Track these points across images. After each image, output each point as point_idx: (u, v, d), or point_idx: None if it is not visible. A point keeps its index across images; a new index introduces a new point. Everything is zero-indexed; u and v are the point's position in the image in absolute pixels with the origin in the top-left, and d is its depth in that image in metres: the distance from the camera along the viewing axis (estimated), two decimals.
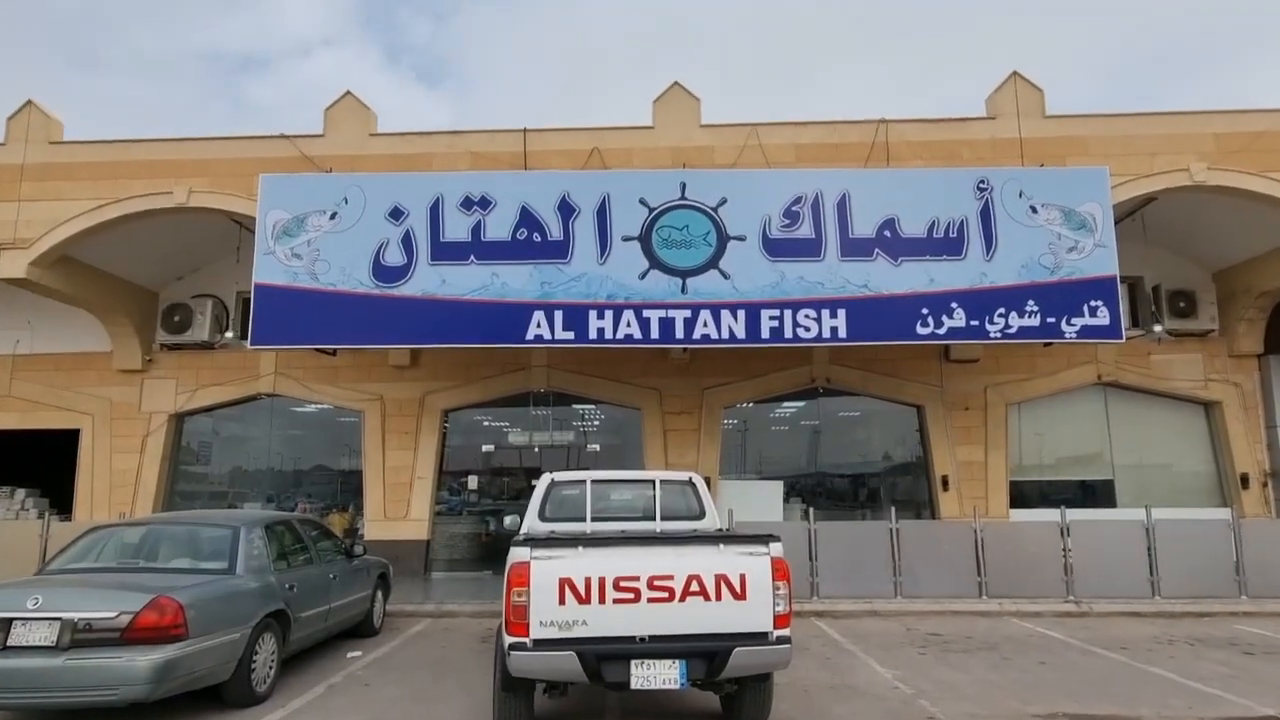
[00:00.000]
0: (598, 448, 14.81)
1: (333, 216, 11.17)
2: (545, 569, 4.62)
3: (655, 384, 14.17)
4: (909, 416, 14.48)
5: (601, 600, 4.50)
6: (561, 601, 4.52)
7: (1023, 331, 11.03)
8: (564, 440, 14.67)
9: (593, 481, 6.35)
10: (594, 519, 6.26)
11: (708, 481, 13.81)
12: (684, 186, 11.28)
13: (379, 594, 9.37)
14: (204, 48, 76.13)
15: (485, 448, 15.04)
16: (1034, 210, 11.26)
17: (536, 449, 14.67)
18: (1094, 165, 11.58)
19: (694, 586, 4.56)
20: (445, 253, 11.13)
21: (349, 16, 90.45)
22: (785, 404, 14.85)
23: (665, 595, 4.53)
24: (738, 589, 4.58)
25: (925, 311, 11.03)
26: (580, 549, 4.68)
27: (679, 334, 10.95)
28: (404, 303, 11.00)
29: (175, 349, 14.57)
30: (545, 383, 14.30)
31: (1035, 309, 11.03)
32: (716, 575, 4.59)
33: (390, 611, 10.25)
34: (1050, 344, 11.74)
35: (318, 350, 12.96)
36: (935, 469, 13.87)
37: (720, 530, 6.32)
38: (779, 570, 4.65)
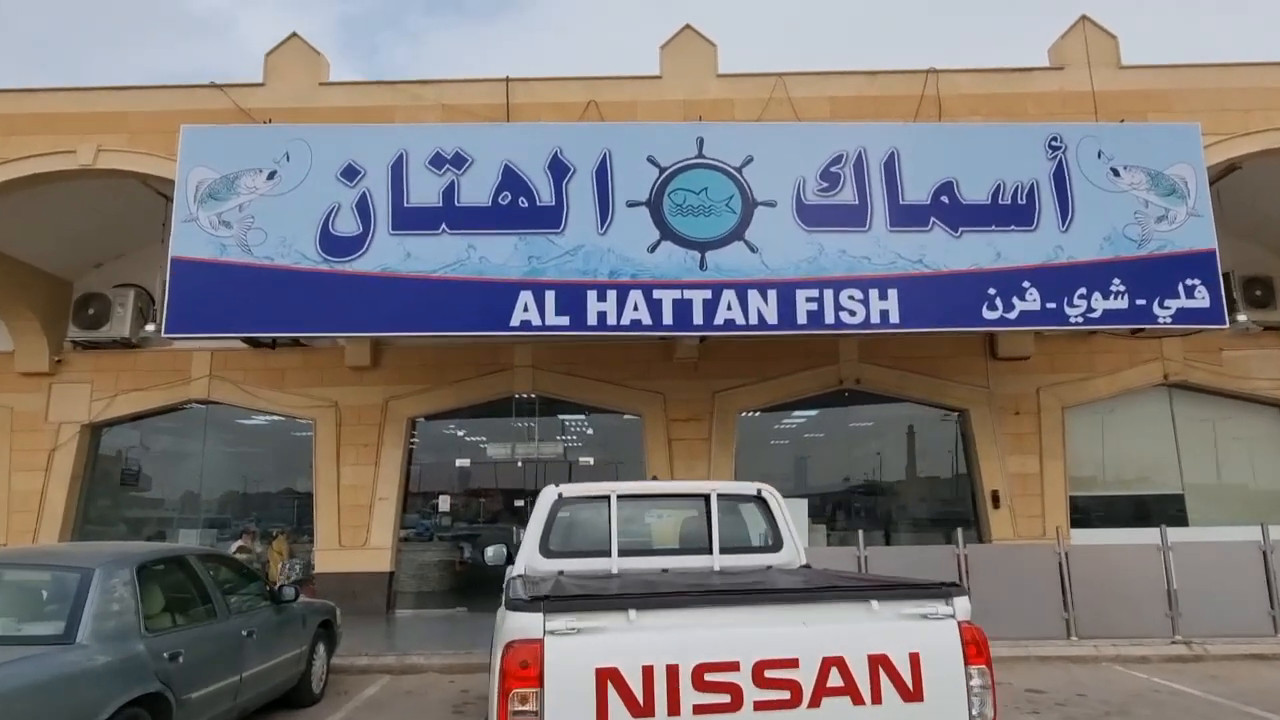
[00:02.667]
0: (591, 461, 12.73)
1: (271, 176, 9.08)
2: (571, 652, 2.58)
3: (659, 387, 12.16)
4: (950, 423, 12.60)
5: (674, 712, 2.47)
6: (603, 717, 2.48)
7: (1109, 315, 9.21)
8: (552, 453, 12.57)
9: (619, 497, 4.29)
10: (622, 552, 4.22)
11: None
12: (701, 142, 9.36)
13: (321, 648, 7.19)
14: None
15: (460, 462, 12.88)
16: (1116, 173, 9.49)
17: (520, 463, 12.55)
18: (1180, 123, 9.86)
19: (834, 679, 2.57)
20: (410, 220, 9.08)
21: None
22: (809, 409, 12.89)
23: (787, 698, 2.53)
24: (908, 681, 2.58)
25: (992, 292, 9.18)
26: (631, 613, 2.64)
27: (697, 319, 8.99)
28: (359, 281, 8.93)
29: (90, 348, 12.29)
30: (530, 386, 12.23)
31: (1122, 288, 9.23)
32: (871, 658, 2.60)
33: (339, 666, 8.06)
34: (1141, 331, 9.92)
35: (251, 342, 10.83)
36: (983, 483, 11.97)
37: (826, 571, 4.29)
38: (974, 645, 2.67)
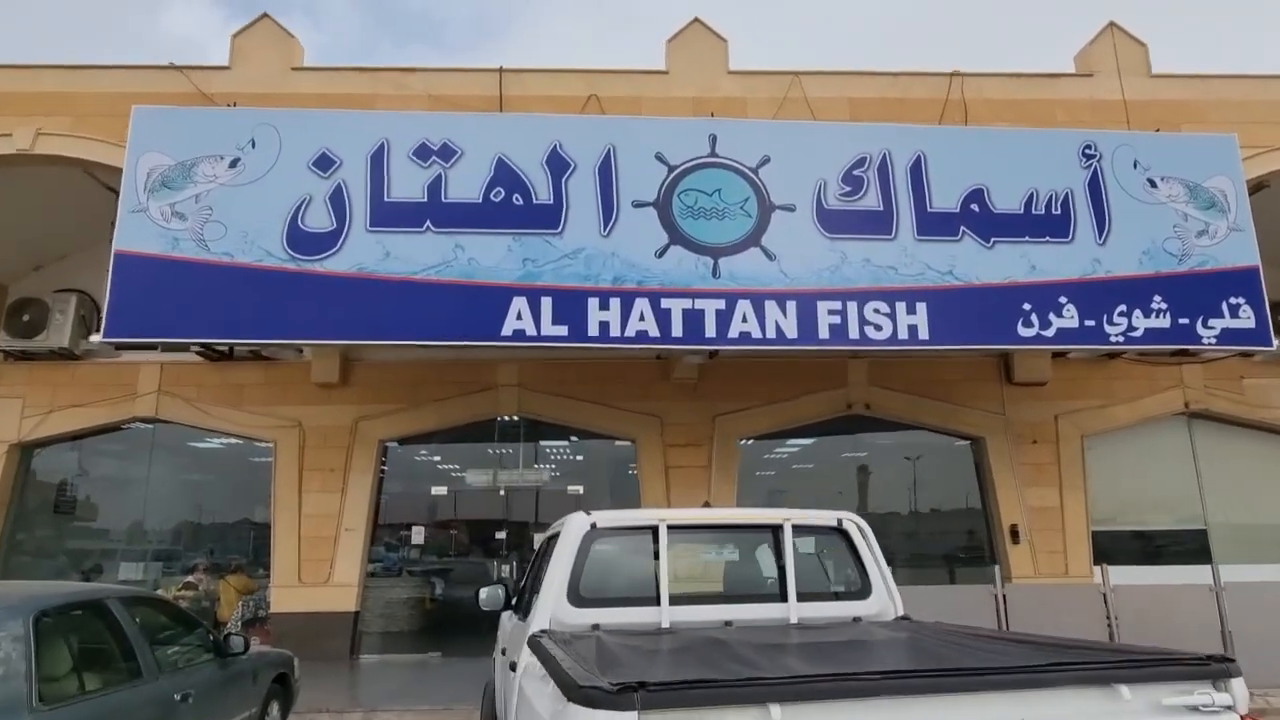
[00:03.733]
0: (581, 490, 11.71)
1: (233, 164, 8.09)
2: None
3: (655, 409, 11.24)
4: (964, 452, 11.83)
5: None
6: None
7: (1150, 335, 8.54)
8: (537, 480, 11.55)
9: (670, 528, 3.38)
10: (674, 600, 3.26)
11: None
12: (714, 139, 8.58)
13: (274, 708, 6.06)
14: None
15: (436, 490, 11.77)
16: (1153, 184, 8.90)
17: (502, 491, 11.51)
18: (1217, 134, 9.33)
19: None
20: (391, 216, 8.13)
21: None
22: (814, 435, 12.04)
23: None
24: None
25: (1027, 307, 8.46)
26: (775, 710, 1.70)
27: (710, 331, 8.13)
28: (331, 283, 7.93)
29: (24, 358, 11.04)
30: (515, 408, 11.23)
31: (1163, 306, 8.57)
32: None
33: None
34: (1184, 353, 9.25)
35: (206, 354, 9.72)
36: (1001, 516, 11.18)
37: (949, 627, 3.35)
38: None
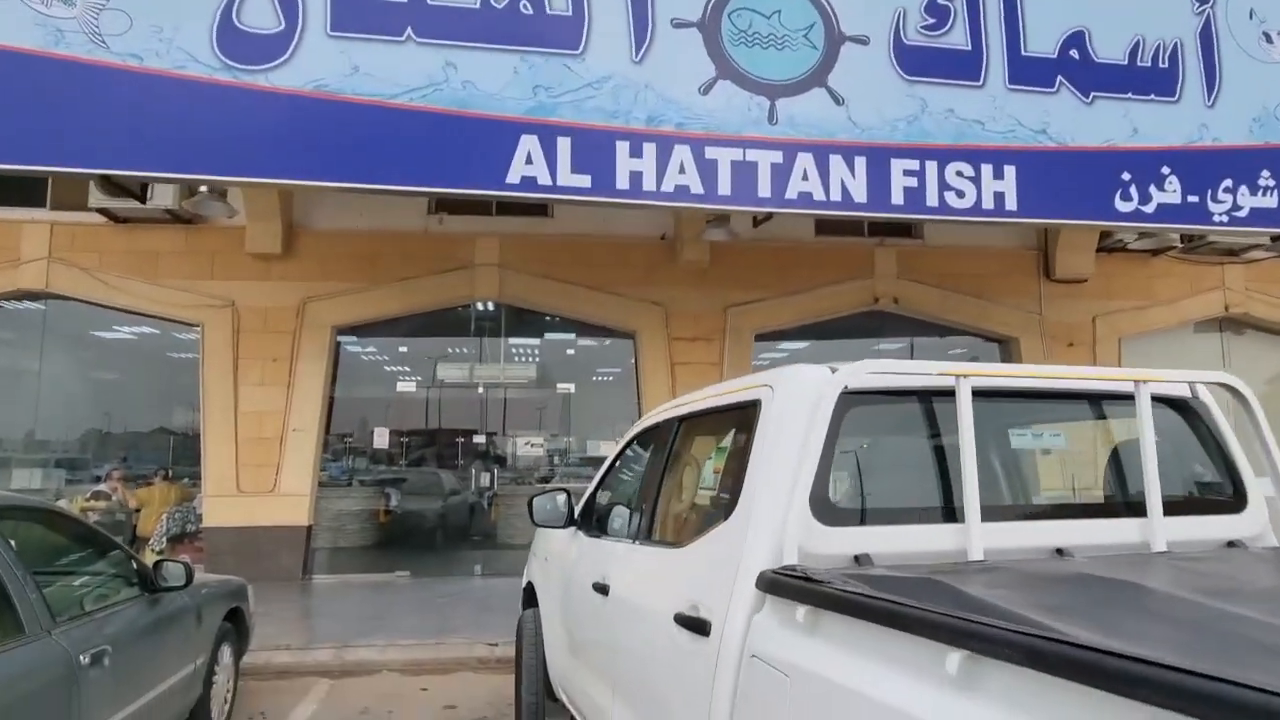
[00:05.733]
0: (572, 388, 10.23)
1: None
2: None
3: (659, 296, 9.75)
4: (992, 353, 10.79)
5: None
6: None
7: (1256, 215, 7.39)
8: (522, 376, 9.99)
9: (979, 394, 1.90)
10: (987, 515, 1.90)
11: None
12: None
13: (226, 652, 4.52)
14: None
15: (401, 386, 10.08)
16: (1268, 39, 7.61)
17: (480, 388, 9.91)
18: None
19: None
20: (361, 19, 6.18)
21: None
22: (836, 337, 10.76)
23: None
24: None
25: (1127, 177, 7.17)
26: None
27: (763, 190, 6.58)
28: (278, 102, 5.99)
29: None
30: (496, 291, 9.55)
31: (1272, 183, 7.42)
32: None
33: (250, 667, 5.41)
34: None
35: (107, 210, 7.68)
36: None
37: None
38: None
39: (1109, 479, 2.27)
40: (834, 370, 1.98)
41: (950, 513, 1.96)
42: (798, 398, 1.98)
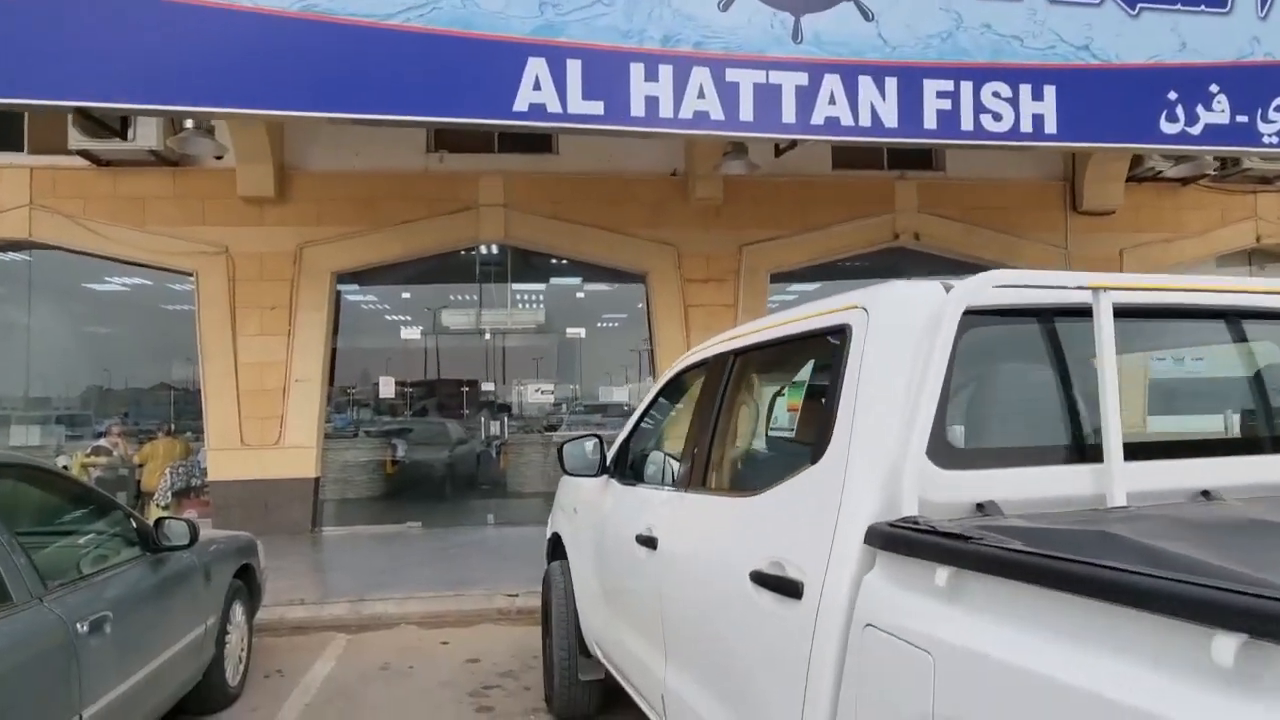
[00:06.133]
0: (582, 333, 9.90)
1: None
2: None
3: (671, 237, 9.35)
4: None
5: None
6: None
7: None
8: (529, 322, 9.67)
9: (1121, 311, 1.59)
10: (1130, 454, 1.62)
11: None
12: None
13: (238, 611, 4.30)
14: None
15: (406, 333, 9.75)
16: None
17: (487, 334, 9.58)
18: None
19: None
20: None
21: None
22: (854, 278, 10.39)
23: None
24: None
25: (1173, 96, 6.73)
26: None
27: (787, 115, 6.16)
28: (262, 24, 5.53)
29: None
30: (501, 233, 9.15)
31: None
32: None
33: (264, 623, 5.23)
34: None
35: (88, 153, 7.24)
36: None
37: None
38: None
39: (1256, 410, 1.98)
40: (948, 287, 1.65)
41: (1083, 451, 1.67)
42: (904, 321, 1.65)
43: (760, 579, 1.77)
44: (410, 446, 11.40)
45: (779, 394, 2.52)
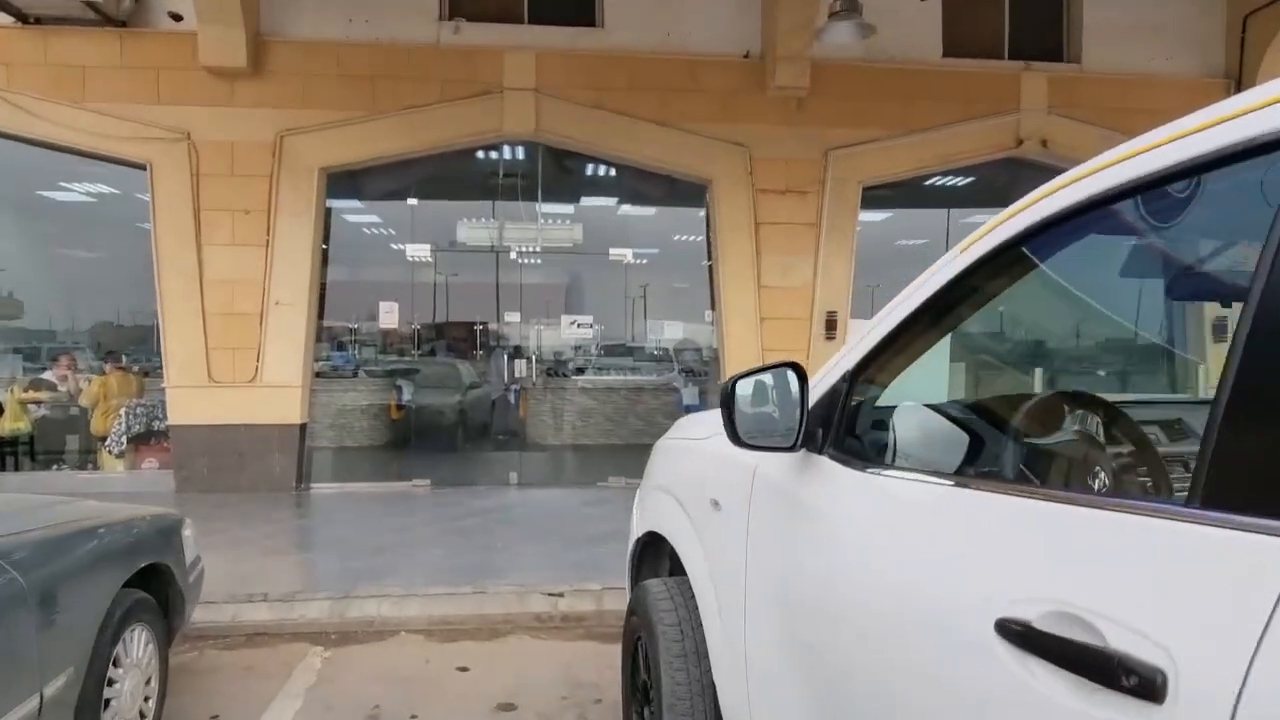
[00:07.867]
0: (628, 255, 8.13)
1: None
2: None
3: (740, 134, 7.53)
4: None
5: None
6: None
7: None
8: (566, 240, 7.89)
9: None
10: None
11: (830, 325, 7.66)
12: None
13: (135, 643, 2.65)
14: None
15: (413, 253, 8.01)
16: None
17: (513, 254, 7.83)
18: None
19: None
20: None
21: None
22: (959, 201, 8.54)
23: None
24: None
25: None
26: None
27: None
28: None
29: None
30: (532, 125, 7.32)
31: None
32: None
33: (211, 629, 3.63)
34: None
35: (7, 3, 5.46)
36: (1204, 309, 8.14)
37: None
38: None
39: None
40: None
41: None
42: None
43: None
44: (417, 389, 9.80)
45: None
